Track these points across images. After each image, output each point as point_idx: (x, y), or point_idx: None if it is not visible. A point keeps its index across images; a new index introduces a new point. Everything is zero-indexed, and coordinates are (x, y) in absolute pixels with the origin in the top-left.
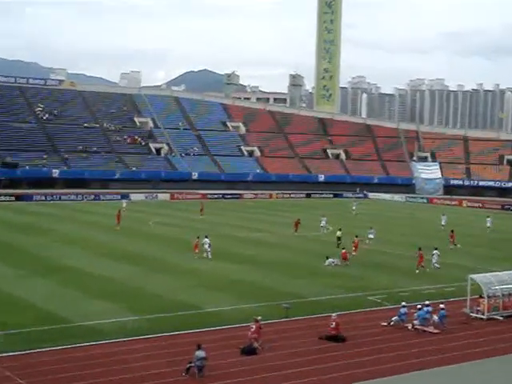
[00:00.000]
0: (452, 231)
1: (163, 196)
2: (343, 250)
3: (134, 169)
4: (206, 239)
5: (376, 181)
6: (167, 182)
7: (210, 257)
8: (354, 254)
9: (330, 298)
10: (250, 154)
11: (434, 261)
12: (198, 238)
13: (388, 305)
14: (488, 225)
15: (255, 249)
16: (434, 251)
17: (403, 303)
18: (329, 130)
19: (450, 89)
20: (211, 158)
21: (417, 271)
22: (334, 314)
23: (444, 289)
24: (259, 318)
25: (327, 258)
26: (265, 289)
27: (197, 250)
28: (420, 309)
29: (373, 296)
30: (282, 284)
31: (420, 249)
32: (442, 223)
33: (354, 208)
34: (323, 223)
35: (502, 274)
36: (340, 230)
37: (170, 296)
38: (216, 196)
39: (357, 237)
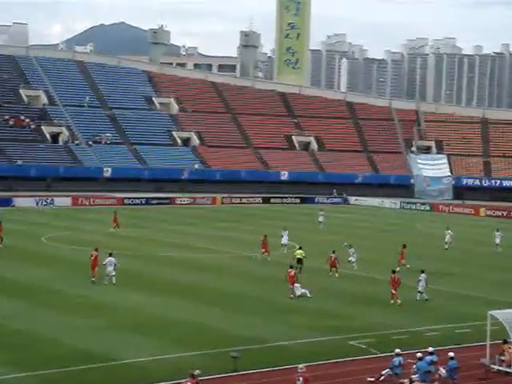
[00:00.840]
0: (404, 246)
1: (62, 201)
2: (291, 270)
3: (19, 163)
4: (111, 258)
5: (360, 180)
6: (68, 181)
7: (114, 282)
8: (331, 274)
9: (296, 344)
10: (186, 142)
11: (419, 288)
12: (97, 250)
13: (377, 352)
14: (497, 241)
15: (191, 275)
16: (421, 275)
17: (397, 350)
18: (295, 110)
19: (464, 52)
20: (131, 148)
21: (392, 301)
22: (301, 366)
23: (454, 330)
24: (197, 371)
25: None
26: (204, 331)
27: (95, 273)
28: (421, 358)
29: (355, 340)
30: (228, 324)
31: (394, 272)
32: (446, 240)
33: (320, 220)
34: (284, 240)
35: None
36: (301, 248)
37: (67, 342)
38: (138, 201)
39: (334, 252)
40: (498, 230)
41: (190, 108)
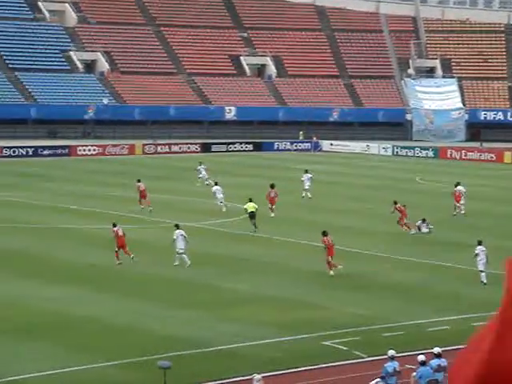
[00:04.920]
0: (395, 203)
1: None
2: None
3: None
4: None
5: (336, 117)
6: None
7: None
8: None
9: (249, 347)
10: (89, 67)
11: (480, 266)
12: None
13: (362, 356)
14: (461, 202)
15: (99, 254)
16: (479, 248)
17: (391, 353)
18: (244, 19)
19: None
20: (9, 76)
21: (331, 272)
22: (257, 377)
23: (471, 323)
24: None
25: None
26: (122, 331)
27: None
28: (424, 363)
29: (332, 339)
30: (155, 321)
31: (326, 234)
32: (461, 202)
33: (201, 176)
34: (219, 196)
35: None
36: (251, 200)
37: None
38: (22, 152)
39: (272, 187)
40: (458, 186)
41: (95, 18)
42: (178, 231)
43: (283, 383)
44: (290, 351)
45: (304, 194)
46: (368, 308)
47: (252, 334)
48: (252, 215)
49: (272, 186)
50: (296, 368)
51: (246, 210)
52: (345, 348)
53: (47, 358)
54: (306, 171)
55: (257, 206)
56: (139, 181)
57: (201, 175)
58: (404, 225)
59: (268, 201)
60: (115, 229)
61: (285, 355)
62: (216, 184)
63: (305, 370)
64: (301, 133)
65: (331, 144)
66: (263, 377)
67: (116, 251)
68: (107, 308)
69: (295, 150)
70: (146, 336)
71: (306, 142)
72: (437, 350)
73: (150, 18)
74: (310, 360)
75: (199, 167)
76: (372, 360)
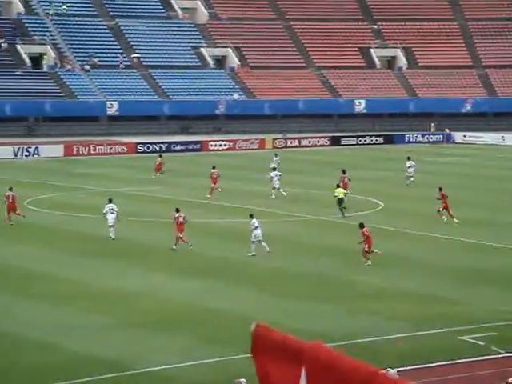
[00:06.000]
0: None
1: (50, 149)
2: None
3: None
4: (111, 204)
5: (469, 108)
6: (57, 121)
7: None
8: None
9: (383, 341)
10: (220, 63)
11: None
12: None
13: (501, 352)
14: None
15: (235, 248)
16: None
17: None
18: (374, 12)
19: None
20: (143, 74)
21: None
22: (392, 371)
23: None
24: (243, 381)
25: None
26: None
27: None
28: None
29: (468, 334)
30: (290, 315)
31: (363, 226)
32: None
33: (273, 166)
34: (275, 183)
35: None
36: (338, 186)
37: (62, 345)
38: (155, 148)
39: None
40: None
41: (225, 14)
42: (253, 220)
43: (419, 378)
44: (425, 346)
45: (409, 182)
46: (505, 303)
47: (386, 328)
48: (341, 201)
49: (344, 172)
50: (432, 363)
51: (336, 196)
52: (482, 343)
53: (181, 350)
54: (409, 158)
55: (345, 192)
56: (214, 167)
57: (274, 165)
58: (441, 212)
59: (342, 186)
60: (177, 215)
61: (420, 350)
62: (274, 169)
63: (441, 365)
64: (432, 124)
65: (464, 136)
66: (398, 371)
67: (180, 237)
68: (240, 301)
69: (427, 143)
70: (278, 329)
71: (438, 134)
72: None
73: (280, 13)
74: (446, 355)
75: (274, 158)
76: (510, 356)
